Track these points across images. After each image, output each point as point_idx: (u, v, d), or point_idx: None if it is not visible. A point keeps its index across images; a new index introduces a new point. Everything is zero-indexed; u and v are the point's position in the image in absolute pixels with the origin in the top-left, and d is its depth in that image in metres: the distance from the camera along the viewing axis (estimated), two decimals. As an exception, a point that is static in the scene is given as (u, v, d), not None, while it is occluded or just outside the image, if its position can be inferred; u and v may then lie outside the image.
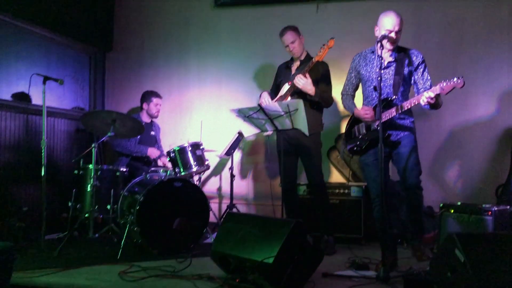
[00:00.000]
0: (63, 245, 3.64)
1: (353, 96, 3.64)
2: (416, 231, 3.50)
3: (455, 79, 2.99)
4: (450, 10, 4.78)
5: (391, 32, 3.23)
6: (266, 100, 3.99)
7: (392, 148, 3.38)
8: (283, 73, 4.22)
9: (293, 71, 4.12)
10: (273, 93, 4.23)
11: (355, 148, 3.46)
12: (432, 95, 3.02)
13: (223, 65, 5.38)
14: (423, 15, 4.79)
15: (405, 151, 3.34)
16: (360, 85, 3.60)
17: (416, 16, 4.75)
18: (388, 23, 3.24)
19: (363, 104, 3.51)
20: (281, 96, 4.05)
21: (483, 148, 4.62)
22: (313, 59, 3.88)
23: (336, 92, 4.00)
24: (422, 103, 3.08)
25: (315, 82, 3.92)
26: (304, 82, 3.86)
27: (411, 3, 4.77)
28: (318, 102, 3.97)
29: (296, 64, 4.14)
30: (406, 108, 3.19)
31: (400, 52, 3.37)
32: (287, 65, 4.23)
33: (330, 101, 4.05)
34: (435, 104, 3.12)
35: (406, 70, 3.32)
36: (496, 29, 4.67)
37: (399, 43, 3.36)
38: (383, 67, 3.30)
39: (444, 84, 3.01)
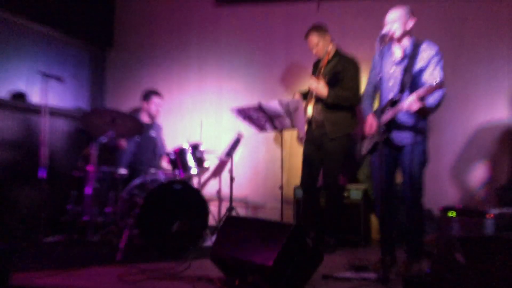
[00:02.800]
0: (63, 247, 3.63)
1: (373, 96, 3.48)
2: (412, 250, 3.28)
3: (432, 84, 2.89)
4: (450, 10, 4.76)
5: (388, 24, 3.17)
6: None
7: (398, 152, 3.25)
8: (315, 72, 4.15)
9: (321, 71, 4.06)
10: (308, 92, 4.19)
11: (366, 150, 3.44)
12: (411, 100, 2.91)
13: (224, 63, 5.37)
14: (423, 15, 4.75)
15: (408, 164, 3.18)
16: None
17: (416, 15, 4.70)
18: (387, 17, 3.21)
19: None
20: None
21: (484, 149, 4.61)
22: (321, 64, 3.92)
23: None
24: (404, 109, 2.98)
25: (333, 83, 3.87)
26: (315, 86, 3.83)
27: (411, 3, 4.72)
28: (338, 104, 3.89)
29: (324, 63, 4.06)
30: (401, 112, 3.08)
31: (414, 46, 3.22)
32: (317, 64, 4.16)
33: (351, 100, 3.90)
34: (420, 111, 2.99)
35: (417, 67, 3.16)
36: (496, 29, 4.65)
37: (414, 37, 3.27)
38: (395, 63, 3.24)
39: (420, 91, 2.90)
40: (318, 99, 3.97)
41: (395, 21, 3.18)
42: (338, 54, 3.99)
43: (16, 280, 2.83)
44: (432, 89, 2.88)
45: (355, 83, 3.94)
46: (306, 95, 4.13)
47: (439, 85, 2.86)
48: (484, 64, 4.66)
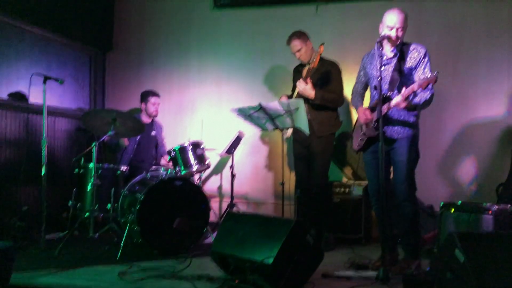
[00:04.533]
0: (63, 245, 3.63)
1: (362, 94, 3.59)
2: (408, 248, 3.30)
3: (428, 75, 3.02)
4: (450, 10, 4.77)
5: (392, 28, 3.15)
6: None
7: (388, 146, 3.28)
8: (296, 77, 4.24)
9: (303, 75, 4.13)
10: (292, 95, 4.26)
11: (357, 145, 3.46)
12: (398, 100, 3.05)
13: (223, 65, 5.38)
14: (423, 15, 4.78)
15: (401, 160, 3.24)
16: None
17: (416, 16, 4.71)
18: (390, 20, 3.17)
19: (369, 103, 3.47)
20: None
21: (484, 147, 4.62)
22: (309, 67, 4.01)
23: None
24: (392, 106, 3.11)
25: (319, 85, 3.95)
26: (303, 87, 3.92)
27: (411, 4, 4.75)
28: (323, 105, 3.99)
29: (307, 68, 4.16)
30: (391, 107, 3.14)
31: (402, 47, 3.26)
32: (298, 69, 4.28)
33: (337, 102, 4.07)
34: (408, 108, 3.13)
35: (406, 67, 3.22)
36: (496, 29, 4.65)
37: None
38: (383, 64, 3.26)
39: (406, 91, 3.03)
40: (304, 100, 4.00)
41: (404, 26, 3.19)
42: (321, 58, 4.08)
43: (17, 279, 2.83)
44: (414, 90, 3.02)
45: (339, 86, 4.10)
46: (291, 98, 4.19)
47: (423, 85, 2.99)
48: (483, 64, 4.66)
